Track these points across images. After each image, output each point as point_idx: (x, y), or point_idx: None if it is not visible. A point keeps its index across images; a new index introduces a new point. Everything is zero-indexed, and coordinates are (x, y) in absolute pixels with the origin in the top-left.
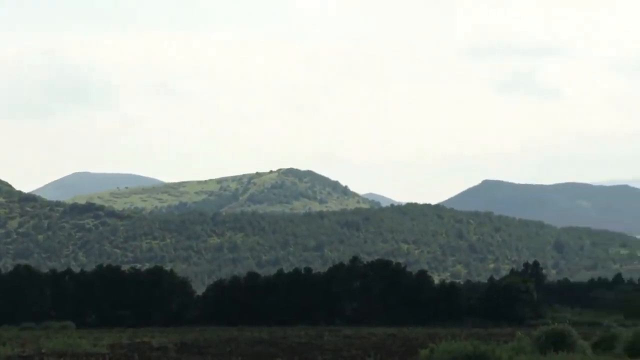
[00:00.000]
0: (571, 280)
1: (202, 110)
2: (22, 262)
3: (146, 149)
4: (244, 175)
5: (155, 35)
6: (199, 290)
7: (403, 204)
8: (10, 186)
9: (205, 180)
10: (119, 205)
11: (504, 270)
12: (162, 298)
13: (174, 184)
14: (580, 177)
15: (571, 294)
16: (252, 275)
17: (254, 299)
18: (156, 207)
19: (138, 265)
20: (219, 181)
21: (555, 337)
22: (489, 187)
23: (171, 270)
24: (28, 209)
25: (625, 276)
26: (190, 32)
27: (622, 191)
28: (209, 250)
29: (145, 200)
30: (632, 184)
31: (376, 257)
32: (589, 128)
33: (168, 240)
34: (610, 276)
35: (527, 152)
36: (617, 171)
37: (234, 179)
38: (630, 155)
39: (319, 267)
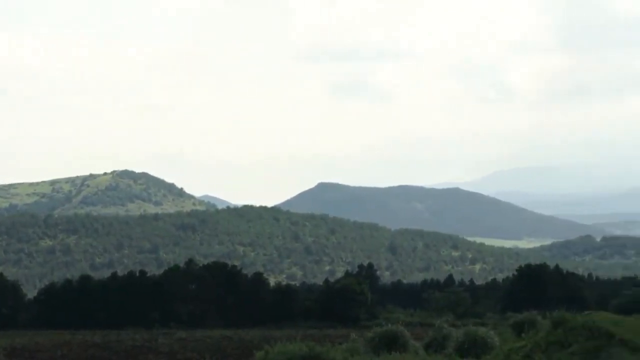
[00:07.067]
0: (404, 281)
1: (34, 110)
2: None
3: None
4: (77, 177)
5: None
6: (31, 294)
7: (239, 206)
8: None
9: (37, 182)
10: None
11: (339, 272)
12: None
13: (4, 185)
14: (413, 180)
15: (404, 295)
16: (85, 278)
17: (88, 302)
18: None
19: None
20: (52, 183)
21: (388, 338)
22: (324, 189)
23: (1, 273)
24: None
25: (456, 277)
26: (21, 31)
27: (453, 194)
28: (41, 253)
29: None
30: (463, 187)
31: (212, 260)
32: (421, 131)
33: None
34: (442, 277)
35: (361, 155)
36: (449, 174)
37: (67, 180)
38: (461, 159)
39: (154, 270)
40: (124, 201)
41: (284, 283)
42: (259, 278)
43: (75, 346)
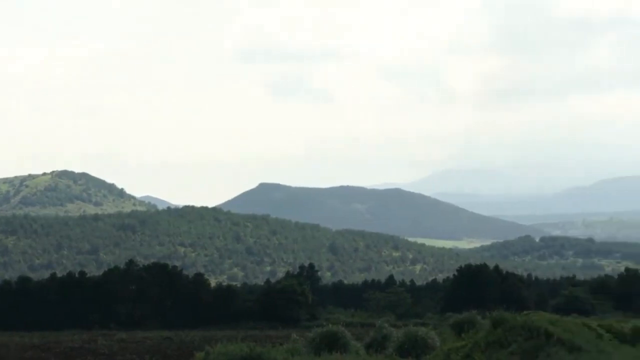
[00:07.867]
0: (345, 282)
1: None
2: None
3: None
4: (15, 178)
5: None
6: None
7: (180, 206)
8: None
9: None
10: None
11: (281, 273)
12: None
13: None
14: (354, 180)
15: (345, 295)
16: (24, 279)
17: (26, 304)
18: None
19: None
20: None
21: (329, 339)
22: (265, 190)
23: None
24: None
25: (397, 277)
26: None
27: (394, 194)
28: None
29: None
30: (404, 187)
31: (153, 261)
32: (361, 132)
33: None
34: (382, 278)
35: (302, 155)
36: (390, 175)
37: (5, 180)
38: (402, 159)
39: (94, 271)
40: (64, 202)
41: (225, 284)
42: (199, 279)
43: (14, 348)
